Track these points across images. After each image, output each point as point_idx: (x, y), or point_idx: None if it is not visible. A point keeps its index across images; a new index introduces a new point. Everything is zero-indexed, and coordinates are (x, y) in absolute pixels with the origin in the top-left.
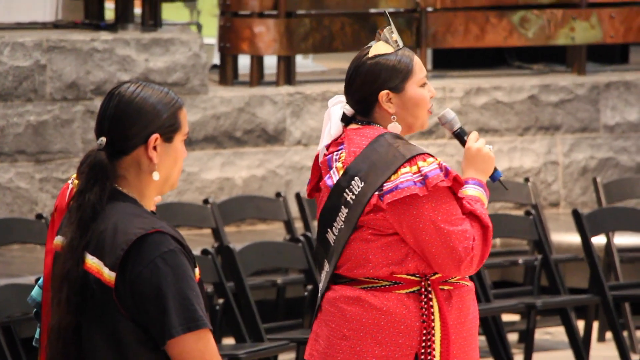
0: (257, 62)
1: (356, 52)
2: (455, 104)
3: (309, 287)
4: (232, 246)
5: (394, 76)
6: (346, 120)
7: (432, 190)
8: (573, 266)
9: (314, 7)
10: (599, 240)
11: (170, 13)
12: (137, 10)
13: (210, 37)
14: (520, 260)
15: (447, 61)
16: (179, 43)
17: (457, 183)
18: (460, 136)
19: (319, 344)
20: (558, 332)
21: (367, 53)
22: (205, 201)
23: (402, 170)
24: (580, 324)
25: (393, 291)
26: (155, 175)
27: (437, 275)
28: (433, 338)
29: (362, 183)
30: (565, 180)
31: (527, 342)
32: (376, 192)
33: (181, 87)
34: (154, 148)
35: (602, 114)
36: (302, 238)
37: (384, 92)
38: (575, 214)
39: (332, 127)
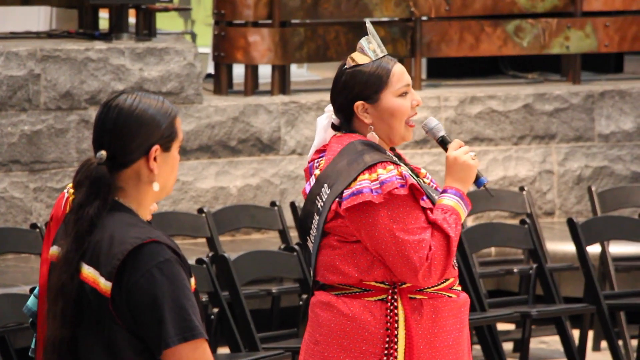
0: (252, 72)
1: None
2: (450, 113)
3: (304, 296)
4: (227, 255)
5: (368, 86)
6: (335, 128)
7: (387, 198)
8: (568, 275)
9: (309, 17)
10: (594, 249)
11: (165, 22)
12: (132, 19)
13: (205, 46)
14: (515, 269)
15: (442, 70)
16: (174, 52)
17: (416, 191)
18: (443, 143)
19: (303, 348)
20: (553, 341)
21: (347, 63)
22: (200, 210)
23: (361, 177)
24: (576, 333)
25: (362, 298)
26: (156, 186)
27: (407, 285)
28: (395, 346)
29: (329, 190)
30: (560, 189)
31: (523, 351)
32: (337, 199)
33: (176, 96)
34: (155, 159)
35: (596, 123)
36: (297, 247)
37: (358, 103)
38: (570, 223)
39: (316, 136)
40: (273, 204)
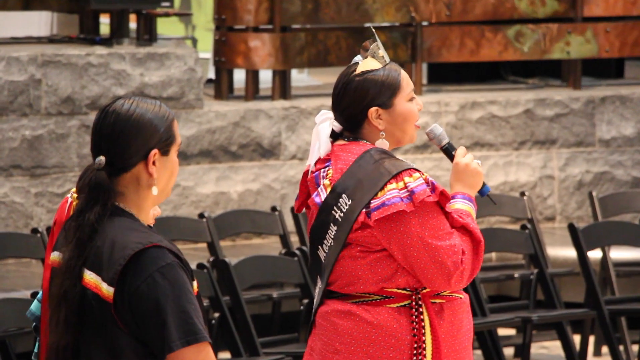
0: (252, 77)
1: None
2: (451, 118)
3: (305, 301)
4: (228, 260)
5: (382, 92)
6: (334, 135)
7: (418, 206)
8: (569, 280)
9: (309, 22)
10: (595, 254)
11: (165, 28)
12: (132, 25)
13: (206, 51)
14: (516, 275)
15: (443, 75)
16: (174, 57)
17: (444, 197)
18: (448, 151)
19: (313, 358)
20: (554, 347)
21: (355, 70)
22: (201, 215)
23: (389, 186)
24: (577, 338)
25: (384, 305)
26: (155, 190)
27: (427, 289)
28: (424, 352)
29: (350, 200)
30: (561, 195)
31: (523, 356)
32: (363, 210)
33: (176, 101)
34: (153, 163)
35: (597, 128)
36: (297, 252)
37: (373, 109)
38: (571, 228)
39: (321, 145)
40: (274, 209)
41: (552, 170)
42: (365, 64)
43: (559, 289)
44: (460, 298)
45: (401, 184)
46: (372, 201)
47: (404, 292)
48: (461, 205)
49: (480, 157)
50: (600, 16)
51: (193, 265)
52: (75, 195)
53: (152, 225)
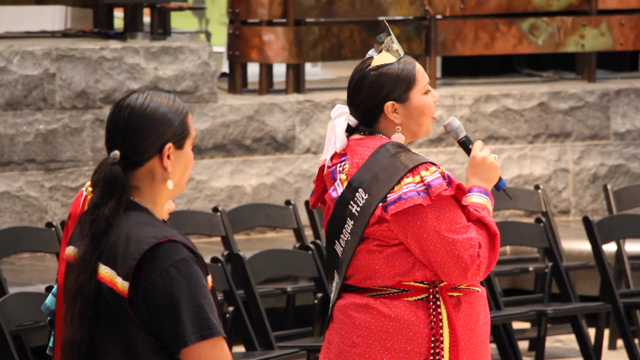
0: (266, 70)
1: None
2: (465, 112)
3: (319, 295)
4: (242, 254)
5: (398, 86)
6: (349, 130)
7: (435, 200)
8: (584, 274)
9: (323, 15)
10: (609, 247)
11: (179, 21)
12: (146, 19)
13: (219, 45)
14: (531, 268)
15: (457, 69)
16: (188, 51)
17: (460, 191)
18: (465, 145)
19: (331, 352)
20: (569, 340)
21: (370, 64)
22: (215, 209)
23: (405, 180)
24: (591, 332)
25: (401, 298)
26: (170, 184)
27: (444, 283)
28: (442, 345)
29: (366, 195)
30: (576, 188)
31: (538, 350)
32: (380, 204)
33: (190, 95)
34: (168, 157)
35: (612, 121)
36: (311, 246)
37: (389, 104)
38: (586, 222)
39: (337, 140)
40: (288, 202)
41: (567, 164)
42: (380, 58)
43: (574, 283)
44: (478, 291)
45: (418, 178)
46: (388, 195)
47: (421, 285)
48: (477, 199)
49: (494, 150)
50: (614, 9)
51: (207, 259)
52: (90, 189)
53: (166, 220)
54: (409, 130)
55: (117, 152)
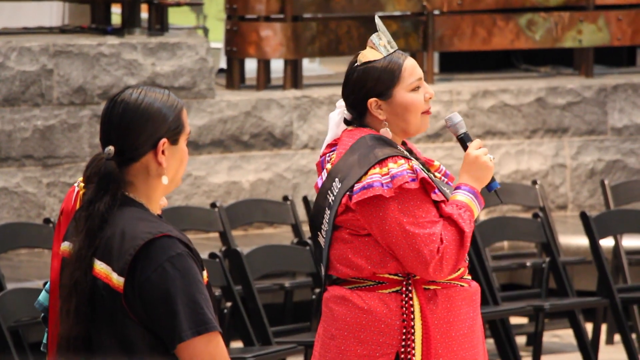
0: (264, 66)
1: None
2: (462, 107)
3: (317, 290)
4: (240, 250)
5: (380, 83)
6: (347, 123)
7: (397, 192)
8: (581, 269)
9: (321, 11)
10: (607, 242)
11: (177, 17)
12: (144, 14)
13: (217, 41)
14: (528, 263)
15: (454, 64)
16: (186, 47)
17: (428, 185)
18: (463, 141)
19: (318, 343)
20: (566, 335)
21: (357, 60)
22: (213, 205)
23: (372, 171)
24: (589, 327)
25: (376, 291)
26: (165, 180)
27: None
28: (413, 337)
29: (340, 184)
30: (573, 183)
31: (536, 344)
32: (347, 192)
33: (188, 91)
34: (162, 152)
35: (609, 116)
36: (309, 241)
37: (372, 100)
38: (583, 217)
39: (329, 132)
40: (285, 198)
41: (564, 159)
42: (367, 53)
43: (571, 278)
44: (461, 286)
45: (384, 170)
46: (355, 185)
47: (395, 277)
48: (461, 197)
49: (492, 145)
50: (612, 4)
51: (205, 255)
52: (82, 184)
53: (160, 215)
54: (396, 126)
55: (111, 148)
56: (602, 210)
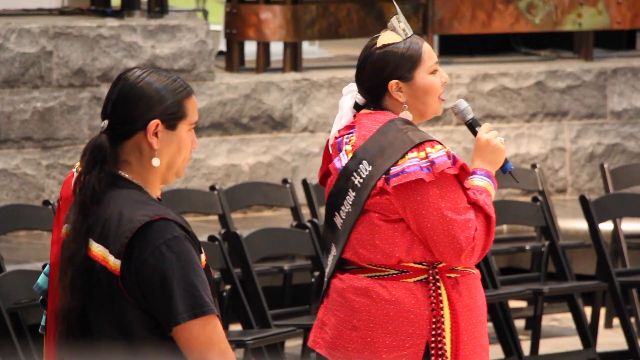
0: (264, 49)
1: (362, 38)
2: (462, 91)
3: (316, 273)
4: (239, 233)
5: (402, 65)
6: (358, 108)
7: (438, 177)
8: (580, 252)
9: None
10: (606, 226)
11: (177, 0)
12: None
13: (217, 23)
14: (527, 247)
15: (454, 47)
16: (186, 30)
17: (463, 172)
18: (472, 126)
19: (326, 333)
20: (565, 319)
21: (376, 42)
22: (212, 188)
23: (410, 155)
24: (588, 311)
25: (400, 280)
26: (155, 162)
27: (443, 264)
28: (443, 326)
29: (370, 166)
30: (572, 167)
31: (534, 328)
32: (383, 176)
33: (187, 73)
34: (155, 134)
35: (609, 100)
36: (309, 224)
37: (393, 82)
38: (583, 200)
39: (343, 116)
40: (285, 181)
41: (564, 142)
42: (386, 36)
43: (570, 261)
44: (473, 273)
45: (422, 154)
46: (392, 168)
47: (420, 266)
48: (478, 182)
49: None
50: None
51: (204, 238)
52: (80, 169)
53: (160, 198)
54: (415, 109)
55: (106, 122)
56: (601, 194)
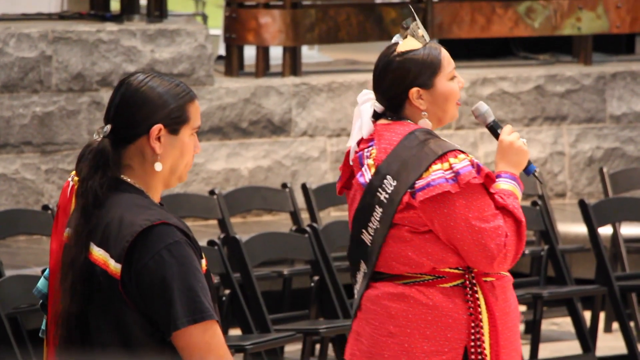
0: (263, 53)
1: (361, 42)
2: (462, 95)
3: (315, 278)
4: (238, 237)
5: (423, 72)
6: (376, 116)
7: (464, 187)
8: (579, 257)
9: None
10: (605, 230)
11: (176, 4)
12: (143, 1)
13: (216, 28)
14: (527, 251)
15: (453, 52)
16: (185, 34)
17: (489, 179)
18: (493, 129)
19: (362, 343)
20: (565, 323)
21: (395, 50)
22: (212, 192)
23: (434, 167)
24: (587, 315)
25: (436, 285)
26: (157, 166)
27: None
28: (482, 330)
29: (395, 182)
30: (572, 171)
31: (534, 332)
32: (408, 190)
33: (187, 78)
34: (158, 139)
35: (608, 104)
36: (308, 229)
37: (414, 90)
38: (582, 205)
39: (363, 126)
40: (284, 185)
41: (563, 147)
42: (405, 43)
43: (570, 265)
44: (507, 276)
45: (446, 165)
46: (416, 182)
47: (456, 271)
48: (504, 185)
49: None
50: None
51: (204, 242)
52: (76, 178)
53: (161, 203)
54: (434, 116)
55: (108, 126)
56: (600, 198)
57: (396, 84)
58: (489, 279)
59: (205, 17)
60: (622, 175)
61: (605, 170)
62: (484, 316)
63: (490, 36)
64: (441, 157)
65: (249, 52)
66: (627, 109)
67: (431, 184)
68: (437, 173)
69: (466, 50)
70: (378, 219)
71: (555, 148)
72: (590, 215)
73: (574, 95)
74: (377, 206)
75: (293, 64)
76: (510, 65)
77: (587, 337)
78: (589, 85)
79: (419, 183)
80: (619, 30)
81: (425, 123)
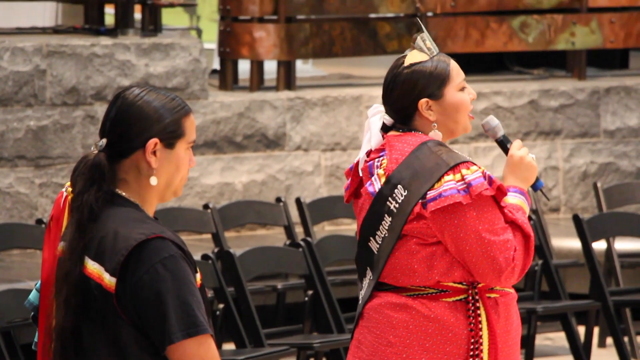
0: (257, 67)
1: (356, 57)
2: None
3: (309, 292)
4: (232, 251)
5: (431, 83)
6: (386, 128)
7: (475, 199)
8: (574, 271)
9: (314, 12)
10: (599, 245)
11: (170, 18)
12: (137, 15)
13: (210, 42)
14: None
15: None
16: (179, 48)
17: (500, 192)
18: (503, 143)
19: (362, 352)
20: (559, 338)
21: (403, 62)
22: (206, 206)
23: (446, 178)
24: (581, 330)
25: (440, 299)
26: (153, 180)
27: (482, 284)
28: (481, 347)
29: (406, 191)
30: (566, 186)
31: (528, 347)
32: (419, 200)
33: (181, 92)
34: (154, 153)
35: (602, 119)
36: (302, 243)
37: (423, 101)
38: (576, 219)
39: (372, 138)
40: (278, 199)
41: (557, 161)
42: (412, 56)
43: (564, 280)
44: (512, 293)
45: (458, 176)
46: (428, 192)
47: (460, 286)
48: (513, 200)
49: (484, 148)
50: (605, 7)
51: (198, 256)
52: (70, 189)
53: (156, 217)
54: (445, 127)
55: (104, 140)
56: (594, 213)
57: (405, 96)
58: (492, 295)
59: (199, 31)
60: (616, 190)
61: (599, 185)
62: (485, 332)
63: (485, 51)
64: (453, 168)
65: (244, 66)
66: (621, 123)
67: (443, 195)
68: (449, 184)
69: (460, 65)
70: (387, 227)
71: (549, 163)
72: (584, 230)
73: (568, 110)
74: (386, 215)
75: (287, 78)
76: (504, 80)
77: (581, 352)
78: (583, 100)
79: (431, 194)
80: (612, 45)
81: (435, 134)
